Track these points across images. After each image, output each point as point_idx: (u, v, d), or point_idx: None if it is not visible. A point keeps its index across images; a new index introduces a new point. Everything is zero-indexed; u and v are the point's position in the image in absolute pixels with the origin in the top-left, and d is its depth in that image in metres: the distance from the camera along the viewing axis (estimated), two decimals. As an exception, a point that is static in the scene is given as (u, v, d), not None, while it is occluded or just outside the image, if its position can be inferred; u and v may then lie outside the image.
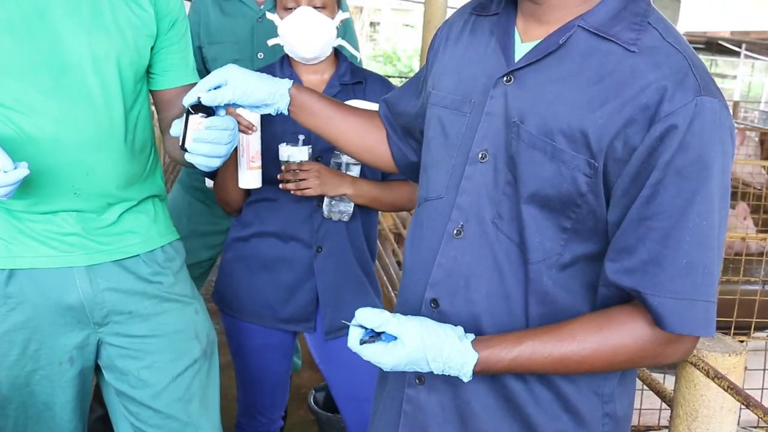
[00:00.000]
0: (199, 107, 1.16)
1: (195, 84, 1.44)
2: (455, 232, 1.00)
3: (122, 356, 1.37)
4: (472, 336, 0.95)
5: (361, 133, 1.26)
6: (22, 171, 1.12)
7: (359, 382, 1.78)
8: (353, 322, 0.97)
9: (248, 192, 1.69)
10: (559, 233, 0.94)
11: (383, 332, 0.95)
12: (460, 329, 0.95)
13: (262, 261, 1.71)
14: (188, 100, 1.16)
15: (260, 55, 2.09)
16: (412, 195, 1.69)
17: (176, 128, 1.21)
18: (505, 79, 0.97)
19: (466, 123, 1.01)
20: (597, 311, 0.96)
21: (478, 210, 0.99)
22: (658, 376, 1.52)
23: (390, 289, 3.06)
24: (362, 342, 0.95)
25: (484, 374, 0.96)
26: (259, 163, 1.57)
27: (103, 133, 1.28)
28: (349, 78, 1.70)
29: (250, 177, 1.56)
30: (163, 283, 1.40)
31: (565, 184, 0.91)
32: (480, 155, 0.98)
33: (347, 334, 1.76)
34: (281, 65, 1.71)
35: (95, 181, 1.29)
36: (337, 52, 1.73)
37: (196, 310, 1.46)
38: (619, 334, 0.92)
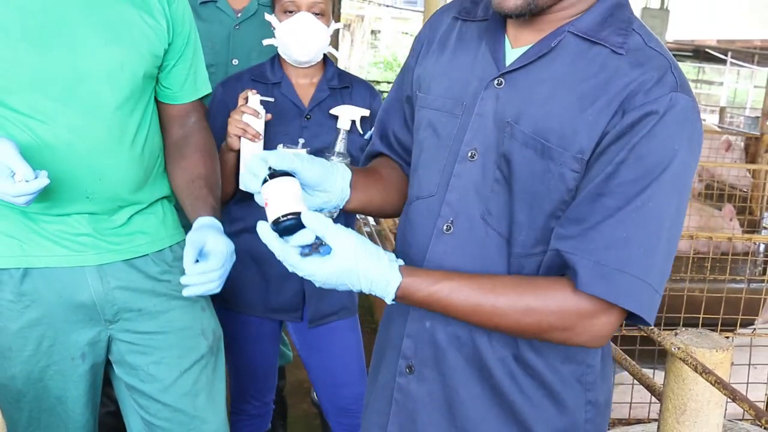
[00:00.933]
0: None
1: (205, 96, 1.46)
2: (445, 227, 1.01)
3: (132, 352, 1.37)
4: (401, 261, 0.95)
5: (393, 188, 1.16)
6: (43, 181, 1.11)
7: (337, 367, 1.82)
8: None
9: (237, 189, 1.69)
10: (547, 232, 0.95)
11: (321, 245, 0.93)
12: (392, 254, 0.95)
13: (253, 255, 1.72)
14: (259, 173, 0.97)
15: (235, 62, 2.07)
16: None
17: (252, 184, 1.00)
18: (496, 82, 0.98)
19: (458, 124, 1.01)
20: (522, 275, 0.96)
21: (468, 206, 0.99)
22: (648, 371, 1.52)
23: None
24: (302, 253, 0.92)
25: (404, 302, 0.95)
26: None
27: (115, 141, 1.28)
28: (336, 82, 1.74)
29: None
30: (171, 281, 1.39)
31: (554, 180, 0.92)
32: (469, 154, 0.99)
33: (329, 323, 1.74)
34: (272, 66, 1.73)
35: (107, 186, 1.29)
36: (325, 57, 1.76)
37: (202, 308, 1.45)
38: (536, 297, 0.91)
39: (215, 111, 1.71)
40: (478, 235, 0.98)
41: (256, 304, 1.76)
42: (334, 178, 1.02)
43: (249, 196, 1.58)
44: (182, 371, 1.40)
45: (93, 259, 1.31)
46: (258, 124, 1.57)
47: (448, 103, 1.03)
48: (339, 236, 0.91)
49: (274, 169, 0.95)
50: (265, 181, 0.94)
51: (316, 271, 0.90)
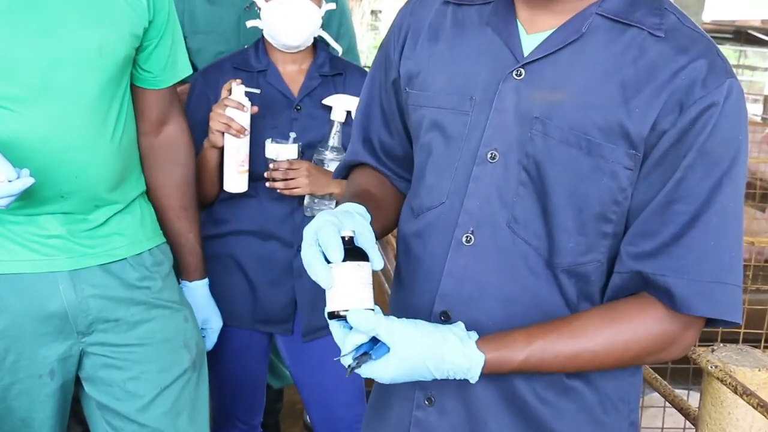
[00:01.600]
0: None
1: (186, 80, 1.49)
2: (465, 238, 0.98)
3: (107, 367, 1.36)
4: (475, 335, 0.92)
5: (389, 208, 1.15)
6: (26, 180, 1.11)
7: (332, 386, 1.79)
8: (345, 336, 0.90)
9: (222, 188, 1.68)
10: (600, 239, 0.95)
11: (375, 346, 0.90)
12: (459, 327, 0.93)
13: (239, 260, 1.71)
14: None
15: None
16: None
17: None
18: (515, 73, 0.95)
19: (469, 122, 0.99)
20: (605, 304, 0.96)
21: (490, 213, 0.97)
22: (681, 393, 1.53)
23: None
24: (349, 366, 0.90)
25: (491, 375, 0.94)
26: (247, 166, 1.59)
27: (94, 133, 1.27)
28: (328, 69, 1.72)
29: (238, 181, 1.59)
30: (151, 288, 1.39)
31: (605, 179, 0.92)
32: (489, 155, 0.97)
33: (324, 336, 1.71)
34: (256, 52, 1.71)
35: (84, 183, 1.28)
36: (316, 42, 1.74)
37: (185, 318, 1.45)
38: (632, 328, 0.92)
39: (195, 104, 1.70)
40: (503, 246, 0.97)
41: (241, 314, 1.73)
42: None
43: (234, 195, 1.66)
44: (163, 388, 1.38)
45: (65, 264, 1.29)
46: (243, 119, 1.55)
47: (452, 99, 1.01)
48: (394, 333, 0.88)
49: (346, 243, 0.88)
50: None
51: (377, 375, 0.89)
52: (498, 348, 0.91)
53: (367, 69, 1.60)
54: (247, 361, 1.81)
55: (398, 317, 1.02)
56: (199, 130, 1.60)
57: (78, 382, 1.40)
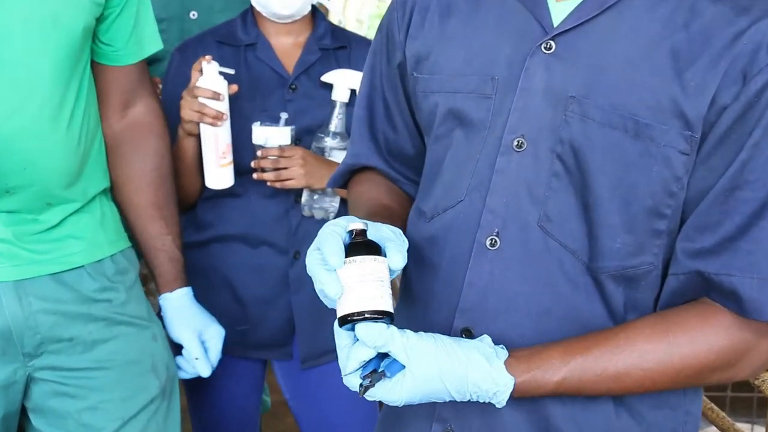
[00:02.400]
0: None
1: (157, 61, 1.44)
2: (489, 242, 0.97)
3: (59, 395, 1.32)
4: (504, 352, 0.91)
5: (397, 212, 1.15)
6: None
7: (337, 419, 1.74)
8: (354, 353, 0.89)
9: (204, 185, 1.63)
10: (652, 237, 0.92)
11: (386, 358, 0.89)
12: (486, 342, 0.91)
13: (225, 272, 1.65)
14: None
15: (193, 15, 2.01)
16: None
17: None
18: (544, 46, 0.94)
19: (492, 107, 0.97)
20: (657, 313, 0.94)
21: (518, 212, 0.96)
22: (743, 427, 1.50)
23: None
24: (362, 386, 0.89)
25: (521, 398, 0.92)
26: (230, 158, 1.55)
27: (49, 118, 1.23)
28: (329, 41, 1.68)
29: (220, 176, 1.54)
30: (112, 301, 1.35)
31: (657, 166, 0.89)
32: (515, 143, 0.95)
33: (328, 363, 1.70)
34: (244, 23, 1.67)
35: (35, 177, 1.24)
36: (315, 10, 1.70)
37: (153, 336, 1.41)
38: (690, 339, 0.89)
39: (172, 84, 1.66)
40: (535, 249, 0.95)
41: (230, 339, 1.62)
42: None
43: (218, 193, 1.61)
44: (126, 420, 1.34)
45: (10, 272, 1.26)
46: (219, 104, 1.52)
47: (471, 81, 0.99)
48: (410, 349, 0.87)
49: (356, 237, 0.88)
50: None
51: (388, 397, 0.88)
52: (530, 368, 0.90)
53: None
54: (237, 394, 1.75)
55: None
56: (176, 115, 1.56)
57: (24, 413, 1.36)
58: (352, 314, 0.86)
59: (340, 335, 0.89)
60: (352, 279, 0.86)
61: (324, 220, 1.64)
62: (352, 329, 0.87)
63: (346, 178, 1.20)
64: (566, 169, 0.93)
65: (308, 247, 1.58)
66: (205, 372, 1.48)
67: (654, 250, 0.93)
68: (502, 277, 0.96)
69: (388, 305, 0.87)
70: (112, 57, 1.37)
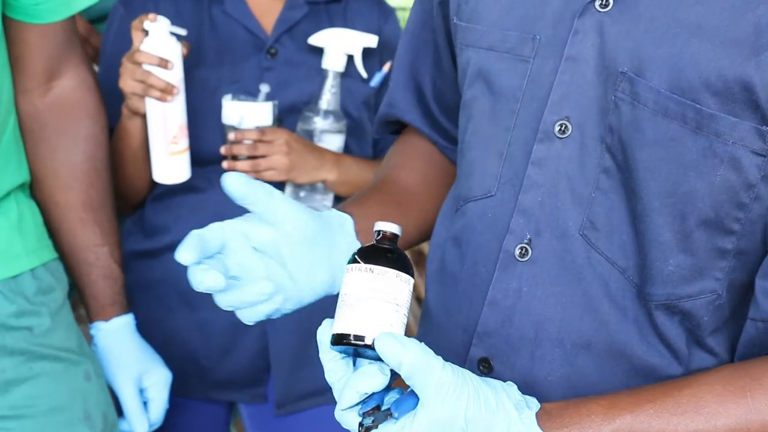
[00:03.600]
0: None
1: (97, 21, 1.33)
2: (519, 251, 0.93)
3: (-38, 453, 1.21)
4: (535, 404, 0.85)
5: (435, 199, 1.14)
6: None
7: None
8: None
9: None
10: (714, 259, 0.87)
11: (390, 391, 0.84)
12: (513, 392, 0.85)
13: (182, 288, 1.46)
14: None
15: None
16: None
17: None
18: (599, 3, 0.89)
19: (528, 74, 0.94)
20: (732, 365, 0.88)
21: (556, 215, 0.92)
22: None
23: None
24: (362, 425, 0.82)
25: None
26: (185, 143, 1.44)
27: None
28: None
29: (171, 167, 1.44)
30: (33, 329, 1.26)
31: (722, 169, 0.84)
32: (558, 127, 0.91)
33: (309, 408, 1.65)
34: None
35: None
36: None
37: (86, 375, 1.31)
38: None
39: (113, 48, 1.54)
40: (574, 263, 0.92)
41: (188, 377, 1.54)
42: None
43: (174, 190, 1.52)
44: (51, 487, 1.24)
45: None
46: (168, 73, 1.39)
47: (510, 37, 0.96)
48: (443, 383, 0.80)
49: (382, 240, 0.84)
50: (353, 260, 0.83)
51: None
52: (565, 423, 0.85)
53: None
54: None
55: None
56: (118, 89, 1.44)
57: None
58: (357, 335, 0.81)
59: (332, 360, 0.84)
60: (362, 290, 0.81)
61: None
62: (350, 352, 0.82)
63: (384, 128, 1.18)
64: (617, 164, 0.89)
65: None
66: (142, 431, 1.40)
67: (717, 274, 0.88)
68: (532, 296, 0.94)
69: (395, 326, 0.83)
70: (32, 11, 1.25)
